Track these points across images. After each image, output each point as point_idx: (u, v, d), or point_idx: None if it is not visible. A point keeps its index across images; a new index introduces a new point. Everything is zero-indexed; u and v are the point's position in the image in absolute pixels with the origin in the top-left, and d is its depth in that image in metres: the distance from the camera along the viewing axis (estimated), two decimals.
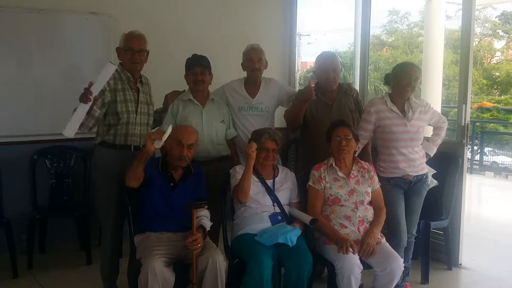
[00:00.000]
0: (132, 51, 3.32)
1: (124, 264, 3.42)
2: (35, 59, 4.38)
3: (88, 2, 4.51)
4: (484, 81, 22.44)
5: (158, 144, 2.93)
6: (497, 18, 23.56)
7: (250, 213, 3.27)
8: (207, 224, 3.15)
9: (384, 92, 4.16)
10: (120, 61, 3.41)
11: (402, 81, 3.47)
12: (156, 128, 3.65)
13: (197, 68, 3.59)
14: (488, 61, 23.88)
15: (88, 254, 4.22)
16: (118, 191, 3.28)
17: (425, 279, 3.93)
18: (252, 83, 3.94)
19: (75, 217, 4.42)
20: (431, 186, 3.74)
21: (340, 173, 3.31)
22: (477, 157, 11.41)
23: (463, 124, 4.07)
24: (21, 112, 4.31)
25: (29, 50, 4.34)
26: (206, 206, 3.22)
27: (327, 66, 3.74)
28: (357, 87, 4.77)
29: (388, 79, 3.60)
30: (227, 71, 4.08)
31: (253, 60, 3.84)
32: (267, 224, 3.23)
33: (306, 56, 22.11)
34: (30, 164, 4.32)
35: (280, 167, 3.51)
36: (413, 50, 22.20)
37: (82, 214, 4.26)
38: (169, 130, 2.96)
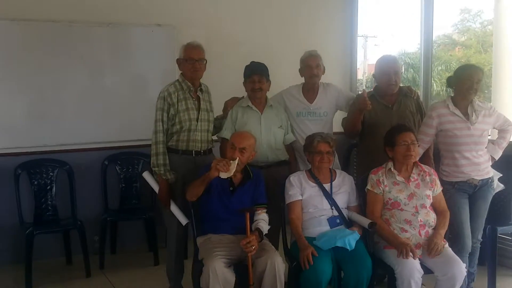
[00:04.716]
0: (192, 60, 3.45)
1: (189, 264, 3.55)
2: (105, 70, 4.61)
3: (154, 15, 4.70)
4: None
5: (224, 176, 3.08)
6: None
7: (308, 217, 3.30)
8: (264, 227, 3.21)
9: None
10: (181, 72, 3.56)
11: (464, 83, 3.41)
12: (217, 135, 3.77)
13: (255, 76, 3.63)
14: None
15: (155, 255, 4.39)
16: (182, 194, 3.40)
17: (492, 286, 3.80)
18: (310, 89, 3.94)
19: (143, 220, 4.59)
20: (498, 190, 3.62)
21: (398, 177, 3.27)
22: None
23: None
24: (92, 121, 4.54)
25: (99, 62, 4.57)
26: (265, 210, 3.29)
27: (389, 69, 3.70)
28: (421, 87, 4.68)
29: (451, 82, 3.54)
30: (286, 77, 4.07)
31: (311, 67, 3.84)
32: (325, 227, 3.25)
33: (374, 59, 21.55)
34: (101, 170, 4.56)
35: (338, 171, 3.52)
36: (487, 49, 21.25)
37: (150, 216, 4.42)
38: (235, 162, 3.09)
